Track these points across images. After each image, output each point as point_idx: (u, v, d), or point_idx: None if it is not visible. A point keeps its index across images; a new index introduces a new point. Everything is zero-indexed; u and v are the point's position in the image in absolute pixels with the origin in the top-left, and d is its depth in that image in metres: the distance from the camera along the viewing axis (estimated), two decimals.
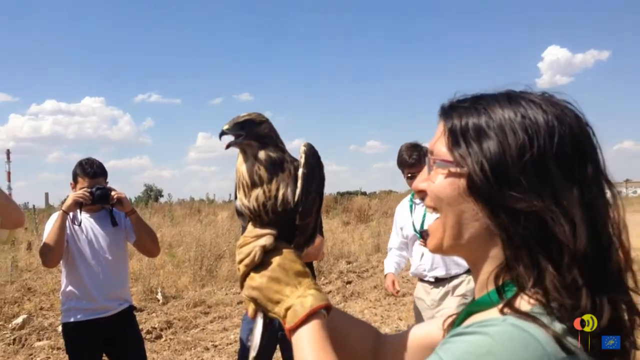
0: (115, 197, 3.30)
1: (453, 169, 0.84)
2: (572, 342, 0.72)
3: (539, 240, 0.77)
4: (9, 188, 26.64)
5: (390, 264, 4.07)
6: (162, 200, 29.06)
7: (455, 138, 0.85)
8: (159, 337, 6.52)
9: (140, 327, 6.67)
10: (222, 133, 1.05)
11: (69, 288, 3.30)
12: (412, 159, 3.62)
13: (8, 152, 27.80)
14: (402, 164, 3.70)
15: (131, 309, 3.49)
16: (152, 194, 34.26)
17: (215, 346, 6.02)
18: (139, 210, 13.98)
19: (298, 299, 0.94)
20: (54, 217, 3.28)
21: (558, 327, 0.72)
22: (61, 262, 3.29)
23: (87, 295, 3.26)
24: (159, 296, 8.30)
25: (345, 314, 1.19)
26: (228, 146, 1.05)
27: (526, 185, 0.77)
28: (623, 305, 0.76)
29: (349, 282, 9.68)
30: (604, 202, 0.79)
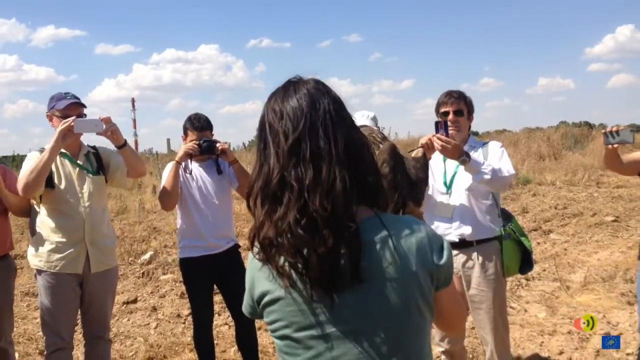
0: (219, 148, 3.64)
1: None
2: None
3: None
4: (135, 135, 28.67)
5: None
6: None
7: None
8: None
9: None
10: None
11: (184, 227, 3.73)
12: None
13: (133, 101, 29.87)
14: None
15: (236, 247, 3.85)
16: None
17: None
18: (251, 154, 14.69)
19: None
20: (169, 167, 3.68)
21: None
22: (177, 205, 3.73)
23: (198, 234, 3.66)
24: None
25: None
26: None
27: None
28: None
29: None
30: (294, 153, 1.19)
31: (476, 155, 3.13)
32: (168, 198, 3.61)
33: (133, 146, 3.14)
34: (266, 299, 1.23)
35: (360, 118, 3.62)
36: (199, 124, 3.69)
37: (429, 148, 3.00)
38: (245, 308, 1.35)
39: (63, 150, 3.29)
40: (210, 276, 3.74)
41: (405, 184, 1.73)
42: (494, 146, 3.18)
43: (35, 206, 3.36)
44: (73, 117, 3.12)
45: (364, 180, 1.22)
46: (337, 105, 1.26)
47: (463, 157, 2.92)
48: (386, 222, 1.21)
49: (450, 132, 3.16)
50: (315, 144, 1.18)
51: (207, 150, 3.61)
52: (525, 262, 3.15)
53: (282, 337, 1.23)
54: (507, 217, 3.21)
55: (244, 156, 20.60)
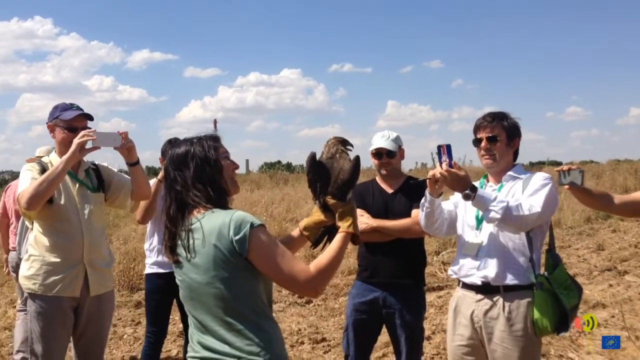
0: None
1: None
2: None
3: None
4: None
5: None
6: None
7: None
8: (309, 302, 6.73)
9: None
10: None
11: (155, 243, 4.02)
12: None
13: (215, 122, 30.31)
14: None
15: None
16: None
17: None
18: None
19: None
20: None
21: None
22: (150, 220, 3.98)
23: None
24: None
25: None
26: None
27: None
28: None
29: None
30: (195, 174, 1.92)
31: (513, 186, 2.71)
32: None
33: None
34: None
35: (379, 139, 3.29)
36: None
37: (436, 181, 2.63)
38: None
39: None
40: (172, 294, 3.80)
41: (318, 182, 2.10)
42: (537, 178, 2.68)
43: (27, 222, 3.17)
44: (93, 129, 2.96)
45: (205, 192, 1.90)
46: (202, 154, 1.94)
47: (466, 192, 2.51)
48: (205, 215, 1.85)
49: (485, 161, 2.78)
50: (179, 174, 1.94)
51: None
52: (562, 321, 2.57)
53: None
54: (555, 262, 2.69)
55: None
